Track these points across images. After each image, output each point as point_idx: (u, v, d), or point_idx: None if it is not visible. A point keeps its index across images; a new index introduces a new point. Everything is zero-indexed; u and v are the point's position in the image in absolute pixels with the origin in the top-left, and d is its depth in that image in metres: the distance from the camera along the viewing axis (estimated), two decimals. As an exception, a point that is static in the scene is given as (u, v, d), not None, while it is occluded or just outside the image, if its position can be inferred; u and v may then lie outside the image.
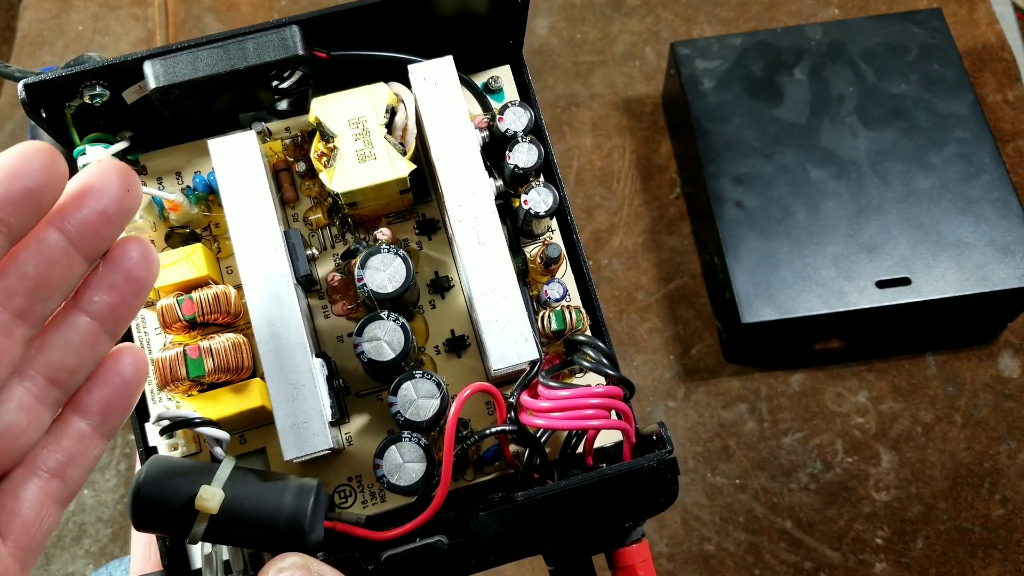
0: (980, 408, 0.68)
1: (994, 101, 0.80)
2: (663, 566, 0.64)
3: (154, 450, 0.36)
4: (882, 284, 0.66)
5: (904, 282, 0.66)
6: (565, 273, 0.41)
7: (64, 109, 0.37)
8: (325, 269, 0.40)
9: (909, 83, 0.73)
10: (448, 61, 0.38)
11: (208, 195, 0.40)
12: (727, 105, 0.73)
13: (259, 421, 0.38)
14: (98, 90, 0.37)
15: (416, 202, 0.42)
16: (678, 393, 0.70)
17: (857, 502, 0.66)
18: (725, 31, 0.84)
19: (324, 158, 0.38)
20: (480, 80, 0.43)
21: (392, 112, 0.38)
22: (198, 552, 0.36)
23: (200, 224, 0.41)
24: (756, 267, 0.66)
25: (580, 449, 0.38)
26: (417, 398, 0.34)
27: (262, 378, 0.36)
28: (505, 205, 0.40)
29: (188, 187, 0.40)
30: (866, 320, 0.66)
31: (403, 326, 0.35)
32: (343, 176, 0.37)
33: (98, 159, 0.33)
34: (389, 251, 0.36)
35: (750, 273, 0.66)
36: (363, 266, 0.36)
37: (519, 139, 0.39)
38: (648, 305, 0.73)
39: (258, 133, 0.40)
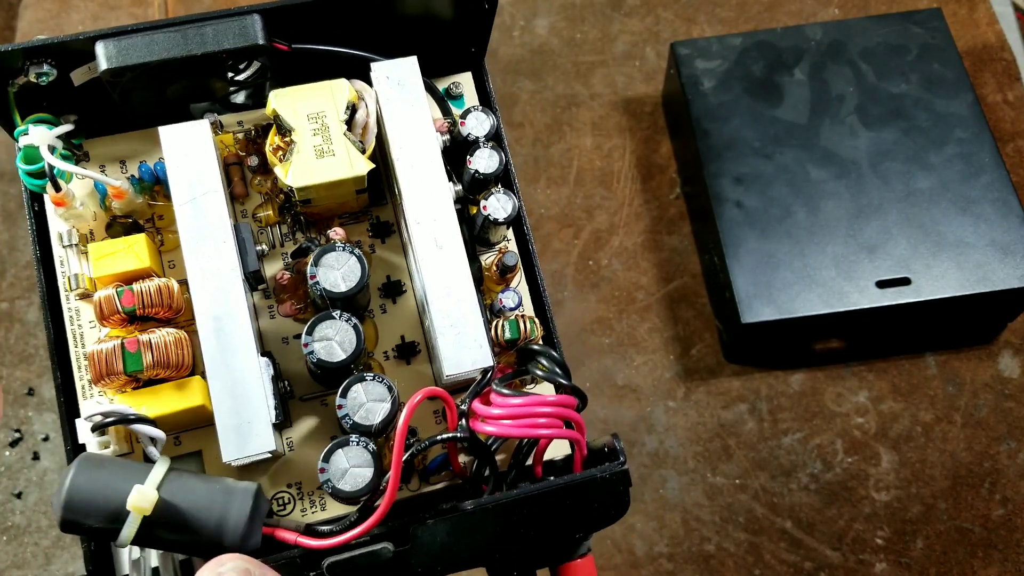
0: (980, 408, 0.68)
1: (994, 101, 0.80)
2: (663, 566, 0.64)
3: (83, 448, 0.34)
4: (882, 284, 0.66)
5: (904, 282, 0.66)
6: (520, 283, 0.41)
7: (7, 87, 0.36)
8: (273, 268, 0.39)
9: (909, 83, 0.73)
10: (412, 61, 0.38)
11: (154, 185, 0.39)
12: (727, 105, 0.73)
13: (196, 422, 0.36)
14: (45, 68, 0.35)
15: (371, 204, 0.40)
16: (678, 393, 0.70)
17: (857, 502, 0.66)
18: (725, 31, 0.84)
19: (280, 152, 0.37)
20: (441, 86, 0.42)
21: (353, 109, 0.37)
22: (126, 557, 0.34)
23: (144, 215, 0.39)
24: (756, 267, 0.66)
25: (530, 461, 0.37)
26: (367, 401, 0.33)
27: (203, 376, 0.35)
28: (462, 211, 0.39)
29: (133, 176, 0.39)
30: (866, 320, 0.66)
31: (355, 327, 0.34)
32: (299, 171, 0.36)
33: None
34: (344, 249, 0.35)
35: (750, 273, 0.66)
36: (316, 263, 0.35)
37: (481, 144, 0.38)
38: (648, 305, 0.73)
39: (210, 124, 0.38)
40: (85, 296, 0.38)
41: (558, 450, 0.38)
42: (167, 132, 0.36)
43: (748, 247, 0.67)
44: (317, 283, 0.35)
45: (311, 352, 0.34)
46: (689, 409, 0.69)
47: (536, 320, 0.38)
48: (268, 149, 0.37)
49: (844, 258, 0.67)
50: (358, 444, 0.33)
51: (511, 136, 0.80)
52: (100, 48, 0.35)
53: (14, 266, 0.72)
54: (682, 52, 0.75)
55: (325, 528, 0.33)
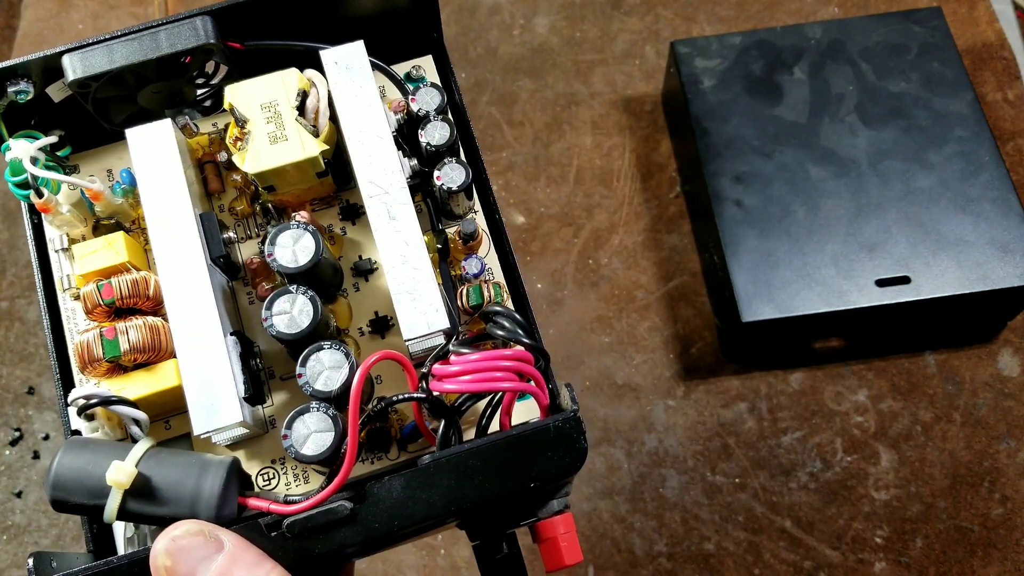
0: (980, 407, 0.68)
1: (994, 100, 0.80)
2: (663, 565, 0.64)
3: (77, 434, 0.37)
4: (882, 283, 0.66)
5: (904, 281, 0.66)
6: (489, 252, 0.42)
7: None
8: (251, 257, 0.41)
9: (909, 82, 0.73)
10: (359, 45, 0.39)
11: (134, 188, 0.41)
12: (727, 104, 0.73)
13: (181, 405, 0.37)
14: (22, 86, 0.37)
15: (339, 188, 0.42)
16: (677, 392, 0.70)
17: (856, 501, 0.66)
18: (725, 30, 0.84)
19: (238, 142, 0.39)
20: (403, 70, 0.44)
21: (304, 95, 0.39)
22: (121, 535, 0.37)
23: (127, 217, 0.42)
24: (756, 266, 0.66)
25: (496, 422, 0.37)
26: (326, 368, 0.34)
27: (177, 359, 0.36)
28: (425, 185, 0.41)
29: (116, 182, 0.41)
30: (866, 319, 0.66)
31: (312, 298, 0.35)
32: (254, 157, 0.38)
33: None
34: (298, 227, 0.36)
35: (750, 272, 0.66)
36: (272, 243, 0.36)
37: (431, 118, 0.40)
38: (648, 304, 0.73)
39: (182, 127, 0.40)
40: (78, 297, 0.40)
41: (528, 414, 0.39)
42: (133, 134, 0.38)
43: (748, 246, 0.67)
44: (274, 260, 0.36)
45: (271, 326, 0.35)
46: (689, 408, 0.69)
47: (503, 285, 0.39)
48: (228, 141, 0.39)
49: (844, 257, 0.66)
50: (318, 410, 0.34)
51: (511, 135, 0.80)
52: (66, 61, 0.37)
53: (14, 265, 0.72)
54: (682, 51, 0.75)
55: (297, 496, 0.34)
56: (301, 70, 0.39)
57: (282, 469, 0.38)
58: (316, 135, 0.38)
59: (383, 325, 0.40)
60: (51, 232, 0.41)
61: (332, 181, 0.41)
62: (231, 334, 0.36)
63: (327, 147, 0.38)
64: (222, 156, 0.42)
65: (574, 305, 0.73)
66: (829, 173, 0.70)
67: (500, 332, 0.37)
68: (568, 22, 0.85)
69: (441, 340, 0.36)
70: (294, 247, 0.36)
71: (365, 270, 0.41)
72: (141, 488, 0.31)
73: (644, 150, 0.79)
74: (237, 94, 0.38)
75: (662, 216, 0.76)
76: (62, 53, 0.37)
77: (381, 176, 0.37)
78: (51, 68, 0.37)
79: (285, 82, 0.39)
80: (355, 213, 0.42)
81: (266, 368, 0.39)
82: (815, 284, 0.66)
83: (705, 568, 0.64)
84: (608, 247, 0.75)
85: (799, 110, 0.72)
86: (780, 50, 0.75)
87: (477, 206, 0.42)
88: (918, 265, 0.66)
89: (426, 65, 0.45)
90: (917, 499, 0.66)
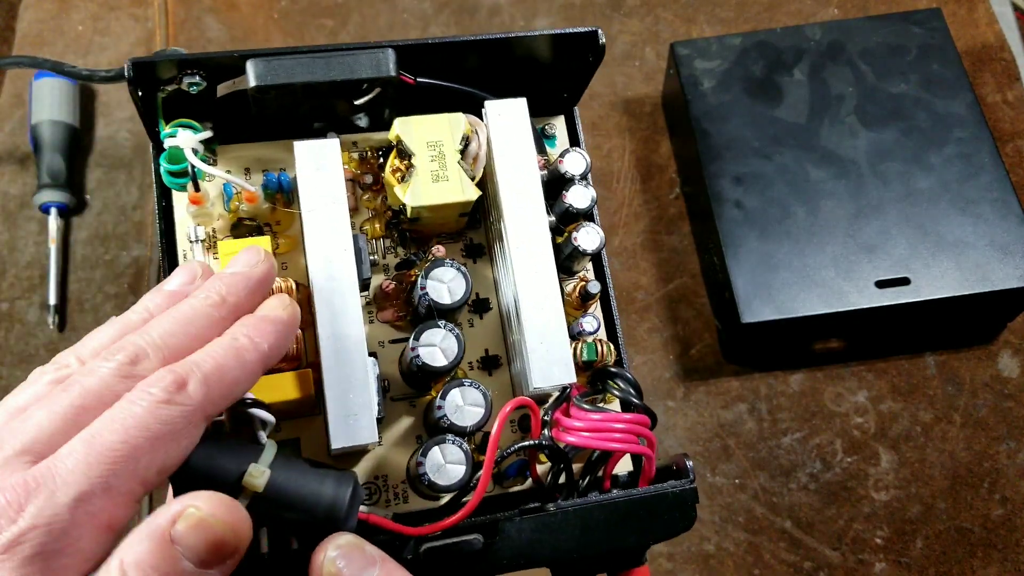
0: (979, 408, 0.69)
1: (993, 101, 0.80)
2: (663, 566, 0.64)
3: None
4: (881, 284, 0.66)
5: (903, 282, 0.66)
6: (596, 309, 0.44)
7: (158, 92, 0.39)
8: (374, 279, 0.43)
9: (908, 83, 0.73)
10: (522, 103, 0.42)
11: (276, 193, 0.42)
12: (727, 105, 0.73)
13: (299, 411, 0.39)
14: (197, 79, 0.39)
15: (466, 227, 0.45)
16: (677, 393, 0.70)
17: (856, 502, 0.66)
18: (725, 31, 0.84)
19: (399, 173, 0.41)
20: (536, 126, 0.47)
21: (467, 141, 0.41)
22: None
23: (264, 219, 0.43)
24: (756, 267, 0.66)
25: (600, 473, 0.40)
26: (464, 404, 0.37)
27: (312, 369, 0.38)
28: (552, 240, 0.43)
29: (260, 184, 0.42)
30: (865, 320, 0.66)
31: (457, 336, 0.38)
32: (417, 192, 0.40)
33: (259, 251, 0.36)
34: (451, 266, 0.39)
35: (750, 273, 0.66)
36: (427, 276, 0.38)
37: (576, 182, 0.42)
38: (648, 305, 0.73)
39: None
40: None
41: (621, 467, 0.42)
42: (301, 146, 0.40)
43: (748, 247, 0.67)
44: (426, 294, 0.38)
45: (416, 356, 0.37)
46: (688, 409, 0.69)
47: (610, 344, 0.42)
48: (388, 170, 0.41)
49: (843, 258, 0.67)
50: (453, 443, 0.36)
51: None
52: (251, 66, 0.39)
53: (14, 266, 0.72)
54: (682, 52, 0.75)
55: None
56: (463, 112, 0.42)
57: (383, 486, 0.40)
58: (472, 179, 0.40)
59: (493, 363, 0.42)
60: (187, 223, 0.42)
61: (466, 220, 0.43)
62: (370, 355, 0.38)
63: (481, 193, 0.41)
64: (368, 179, 0.43)
65: (574, 306, 0.73)
66: (829, 174, 0.70)
67: (616, 392, 0.40)
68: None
69: (558, 389, 0.38)
70: (448, 284, 0.38)
71: (482, 308, 0.43)
72: (272, 491, 0.31)
73: (644, 151, 0.79)
74: (406, 128, 0.40)
75: (662, 217, 0.76)
76: (245, 57, 0.39)
77: (529, 230, 0.40)
78: (224, 65, 0.39)
79: (452, 125, 0.41)
80: (478, 252, 0.44)
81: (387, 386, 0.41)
82: (815, 285, 0.66)
83: (705, 568, 0.64)
84: (608, 248, 0.75)
85: (799, 111, 0.72)
86: (780, 51, 0.75)
87: (590, 265, 0.45)
88: (918, 266, 0.66)
89: (557, 124, 0.48)
90: (917, 500, 0.66)
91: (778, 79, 0.74)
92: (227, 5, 0.84)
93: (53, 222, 0.71)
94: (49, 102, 0.73)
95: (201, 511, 0.27)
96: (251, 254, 0.34)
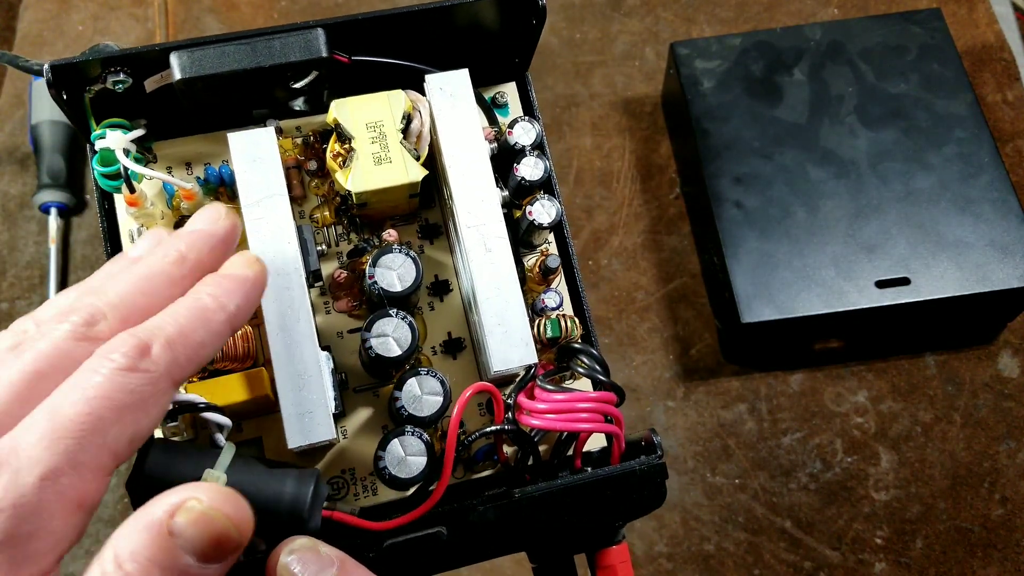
0: (979, 408, 0.69)
1: (993, 101, 0.80)
2: (663, 566, 0.64)
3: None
4: (881, 284, 0.66)
5: (903, 282, 0.66)
6: (560, 283, 0.43)
7: (84, 93, 0.38)
8: (328, 267, 0.41)
9: (908, 83, 0.73)
10: (464, 74, 0.40)
11: (218, 187, 0.41)
12: (727, 105, 0.73)
13: (257, 411, 0.38)
14: (121, 76, 0.37)
15: (420, 207, 0.43)
16: (677, 393, 0.70)
17: (856, 502, 0.66)
18: (725, 31, 0.84)
19: (340, 158, 0.39)
20: (486, 95, 0.44)
21: (408, 119, 0.39)
22: None
23: None
24: (756, 267, 0.66)
25: (571, 452, 0.39)
26: (421, 394, 0.36)
27: (265, 367, 0.37)
28: (507, 215, 0.41)
29: (199, 178, 0.41)
30: (865, 320, 0.66)
31: (410, 324, 0.36)
32: (359, 177, 0.38)
33: (218, 208, 0.34)
34: (400, 251, 0.37)
35: (750, 273, 0.66)
36: (375, 264, 0.37)
37: (527, 153, 0.40)
38: (648, 305, 0.73)
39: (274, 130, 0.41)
40: None
41: (594, 443, 0.41)
42: (235, 138, 0.38)
43: (748, 247, 0.67)
44: (375, 283, 0.37)
45: (369, 347, 0.36)
46: (688, 409, 0.69)
47: (576, 319, 0.40)
48: (329, 155, 0.39)
49: (843, 258, 0.67)
50: (412, 434, 0.35)
51: (511, 136, 0.80)
52: (174, 59, 0.37)
53: (14, 266, 0.72)
54: (681, 52, 0.75)
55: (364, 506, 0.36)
56: (401, 89, 0.40)
57: (351, 480, 0.38)
58: (417, 159, 0.39)
59: (456, 346, 0.41)
60: (130, 224, 0.40)
61: (418, 201, 0.41)
62: (323, 348, 0.37)
63: (427, 172, 0.39)
64: (312, 165, 0.42)
65: (574, 306, 0.73)
66: (829, 174, 0.70)
67: (581, 369, 0.39)
68: (568, 23, 0.85)
69: (522, 370, 0.37)
70: (397, 271, 0.37)
71: (442, 291, 0.42)
72: None
73: (644, 151, 0.79)
74: (344, 110, 0.38)
75: (662, 217, 0.76)
76: (168, 50, 0.37)
77: (479, 207, 0.38)
78: (148, 60, 0.38)
79: (392, 103, 0.39)
80: (434, 232, 0.42)
81: (344, 379, 0.40)
82: (815, 285, 0.66)
83: (705, 569, 0.64)
84: (608, 248, 0.75)
85: (799, 111, 0.72)
86: (780, 51, 0.75)
87: (551, 238, 0.43)
88: (918, 266, 0.66)
89: (508, 91, 0.45)
90: (917, 500, 0.66)
91: (778, 79, 0.74)
92: (227, 5, 0.84)
93: (53, 222, 0.71)
94: (49, 102, 0.74)
95: (203, 504, 0.25)
96: (212, 211, 0.32)
